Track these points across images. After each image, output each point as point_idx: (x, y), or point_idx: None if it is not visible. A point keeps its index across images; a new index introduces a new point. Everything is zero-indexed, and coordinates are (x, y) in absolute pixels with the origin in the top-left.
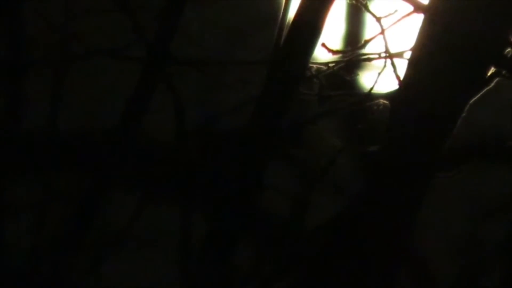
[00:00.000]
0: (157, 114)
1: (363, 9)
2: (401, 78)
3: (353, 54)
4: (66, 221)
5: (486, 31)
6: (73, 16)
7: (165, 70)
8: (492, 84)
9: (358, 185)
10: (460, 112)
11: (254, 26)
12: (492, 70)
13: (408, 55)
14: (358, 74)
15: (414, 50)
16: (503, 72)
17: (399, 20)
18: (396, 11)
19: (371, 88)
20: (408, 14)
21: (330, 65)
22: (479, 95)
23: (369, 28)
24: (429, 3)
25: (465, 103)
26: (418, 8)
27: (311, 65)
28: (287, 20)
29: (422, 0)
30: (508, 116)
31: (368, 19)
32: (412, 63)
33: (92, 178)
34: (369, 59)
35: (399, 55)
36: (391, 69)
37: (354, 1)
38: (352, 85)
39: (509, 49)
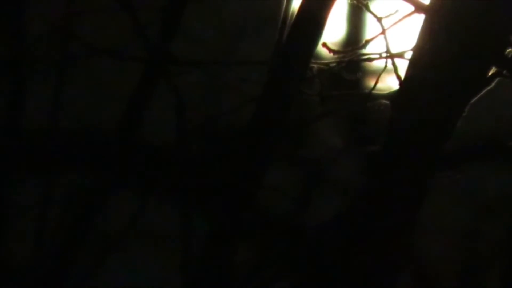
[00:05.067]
0: (158, 113)
1: (364, 9)
2: (402, 78)
3: (354, 54)
4: (67, 221)
5: (487, 31)
6: (74, 15)
7: (166, 70)
8: (493, 84)
9: (359, 185)
10: (461, 112)
11: (255, 25)
12: (492, 70)
13: (409, 55)
14: (359, 74)
15: (415, 50)
16: (504, 72)
17: (400, 20)
18: (397, 11)
19: (372, 88)
20: (409, 14)
21: (331, 65)
22: (479, 95)
23: (370, 28)
24: (430, 3)
25: (466, 103)
26: (419, 8)
27: (312, 65)
28: (289, 19)
29: (423, 0)
30: (508, 116)
31: (369, 19)
32: (413, 63)
33: (93, 178)
34: (370, 59)
35: (400, 55)
36: (392, 69)
37: (355, 1)
38: (353, 85)
39: (510, 49)
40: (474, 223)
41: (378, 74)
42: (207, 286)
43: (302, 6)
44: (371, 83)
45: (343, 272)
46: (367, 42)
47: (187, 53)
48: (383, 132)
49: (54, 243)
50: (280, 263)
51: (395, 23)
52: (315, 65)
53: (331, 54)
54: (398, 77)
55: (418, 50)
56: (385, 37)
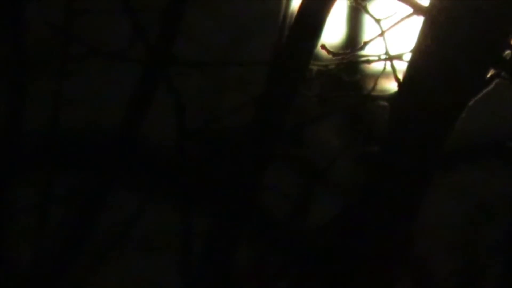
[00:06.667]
0: (158, 114)
1: (363, 10)
2: (401, 80)
3: (352, 56)
4: (67, 222)
5: (486, 33)
6: (74, 16)
7: (166, 71)
8: (492, 85)
9: (358, 185)
10: (459, 113)
11: (255, 26)
12: (491, 71)
13: (407, 57)
14: (357, 76)
15: (414, 52)
16: (502, 73)
17: (398, 22)
18: (395, 13)
19: (371, 90)
20: (408, 16)
21: (330, 66)
22: (478, 96)
23: (369, 30)
24: (429, 5)
25: (464, 104)
26: (417, 10)
27: (311, 66)
28: (288, 21)
29: (421, 2)
30: (508, 116)
31: (368, 21)
32: (411, 65)
33: (93, 179)
34: (369, 61)
35: (399, 57)
36: (391, 71)
37: (353, 3)
38: (352, 87)
39: (508, 51)
40: (474, 224)
41: (376, 76)
42: (207, 287)
43: (301, 7)
44: (370, 84)
45: (342, 272)
46: (366, 43)
47: (187, 54)
48: (382, 133)
49: (54, 243)
50: (280, 263)
51: (394, 25)
52: (314, 67)
53: (330, 56)
54: (397, 79)
55: (417, 52)
56: (383, 39)
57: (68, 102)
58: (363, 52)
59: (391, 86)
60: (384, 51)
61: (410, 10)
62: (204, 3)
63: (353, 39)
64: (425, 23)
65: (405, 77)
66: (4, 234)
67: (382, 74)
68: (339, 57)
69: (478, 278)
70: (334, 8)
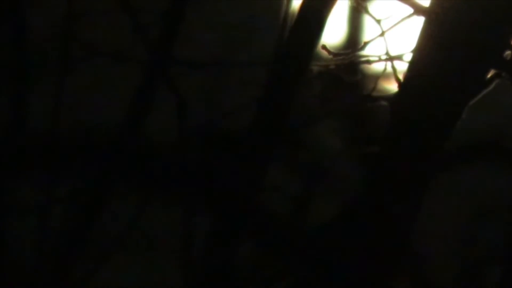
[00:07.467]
0: (159, 114)
1: (363, 11)
2: (401, 80)
3: (353, 56)
4: (67, 222)
5: (486, 34)
6: (75, 17)
7: (167, 71)
8: (492, 86)
9: (359, 185)
10: (460, 114)
11: (255, 26)
12: (491, 72)
13: (408, 57)
14: (358, 76)
15: (414, 52)
16: (503, 74)
17: (399, 22)
18: (396, 13)
19: (372, 90)
20: (409, 16)
21: (331, 67)
22: (478, 97)
23: (369, 30)
24: (430, 5)
25: (465, 105)
26: (418, 10)
27: (311, 66)
28: (289, 21)
29: (422, 2)
30: (508, 116)
31: (368, 21)
32: (412, 66)
33: (93, 179)
34: (369, 62)
35: (399, 57)
36: (391, 71)
37: (354, 3)
38: (352, 87)
39: (508, 52)
40: (474, 224)
41: (377, 76)
42: (208, 287)
43: (302, 7)
44: (371, 85)
45: (342, 272)
46: (366, 44)
47: (187, 54)
48: (382, 133)
49: (54, 243)
50: (280, 263)
51: (394, 25)
52: (314, 67)
53: (330, 56)
54: (397, 79)
55: (417, 52)
56: (384, 39)
57: (68, 102)
58: (364, 53)
59: (391, 86)
60: (384, 52)
61: (411, 10)
62: (204, 3)
63: (353, 40)
64: (425, 23)
65: (405, 77)
66: (4, 234)
67: (383, 74)
68: (340, 58)
69: (478, 278)
70: (334, 8)
